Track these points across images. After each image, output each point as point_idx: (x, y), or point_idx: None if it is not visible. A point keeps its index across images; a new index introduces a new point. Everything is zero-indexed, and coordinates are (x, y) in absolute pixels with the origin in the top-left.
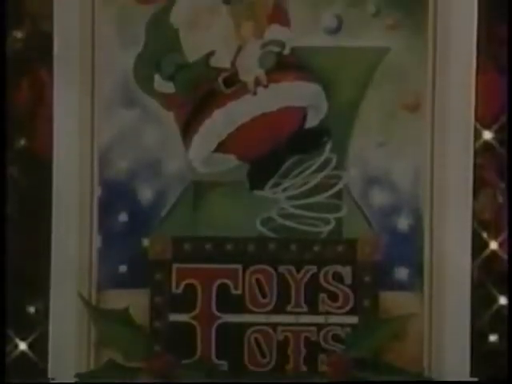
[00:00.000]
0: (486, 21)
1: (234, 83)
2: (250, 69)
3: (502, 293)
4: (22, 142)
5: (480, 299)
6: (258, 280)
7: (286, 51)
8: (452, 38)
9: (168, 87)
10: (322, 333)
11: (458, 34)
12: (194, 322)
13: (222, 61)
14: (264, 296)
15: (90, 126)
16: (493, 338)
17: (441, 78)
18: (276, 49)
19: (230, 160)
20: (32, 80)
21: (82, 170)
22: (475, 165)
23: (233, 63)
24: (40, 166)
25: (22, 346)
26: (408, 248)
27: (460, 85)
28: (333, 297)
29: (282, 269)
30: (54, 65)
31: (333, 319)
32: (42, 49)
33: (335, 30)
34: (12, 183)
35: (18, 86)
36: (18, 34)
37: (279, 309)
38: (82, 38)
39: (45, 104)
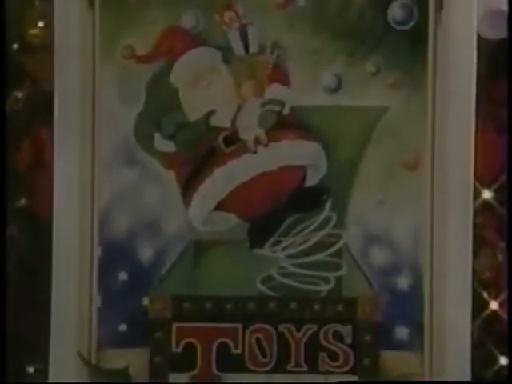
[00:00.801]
0: (485, 80)
1: (234, 142)
2: (250, 128)
3: (502, 353)
4: (23, 201)
5: (480, 359)
6: (258, 339)
7: (286, 110)
8: (451, 97)
9: (168, 146)
10: None
11: (457, 94)
12: (194, 382)
13: (222, 120)
14: (264, 355)
15: (90, 185)
16: None
17: (440, 137)
18: (276, 108)
19: (230, 218)
20: (32, 140)
21: (82, 229)
22: (475, 224)
23: (233, 122)
24: (40, 226)
25: None
26: (408, 307)
27: (459, 144)
28: (333, 356)
29: (282, 327)
30: (54, 125)
31: (333, 378)
32: (42, 109)
33: (335, 89)
34: (12, 242)
35: (19, 146)
36: (19, 94)
37: (279, 368)
38: (83, 97)
39: (45, 163)
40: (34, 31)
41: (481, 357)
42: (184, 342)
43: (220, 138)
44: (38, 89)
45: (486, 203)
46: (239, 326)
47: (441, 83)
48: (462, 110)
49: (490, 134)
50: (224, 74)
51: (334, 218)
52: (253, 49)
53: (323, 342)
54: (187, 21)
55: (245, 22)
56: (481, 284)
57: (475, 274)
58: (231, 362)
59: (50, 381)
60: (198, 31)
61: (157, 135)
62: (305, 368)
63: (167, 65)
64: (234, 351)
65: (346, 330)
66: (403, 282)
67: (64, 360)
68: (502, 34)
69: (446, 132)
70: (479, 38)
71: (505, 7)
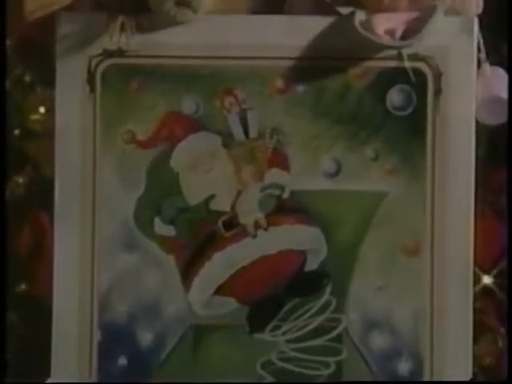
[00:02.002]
0: (484, 166)
1: (233, 226)
2: (250, 212)
3: None
4: (23, 286)
5: None
6: None
7: (286, 195)
8: (450, 183)
9: (168, 230)
10: None
11: (456, 179)
12: None
13: (222, 204)
14: None
15: (90, 269)
16: None
17: (440, 222)
18: (276, 192)
19: (230, 303)
20: (33, 225)
21: (82, 313)
22: (475, 309)
23: (233, 206)
24: (40, 311)
25: None
26: None
27: (459, 229)
28: None
29: None
30: (54, 210)
31: None
32: (42, 194)
33: (334, 174)
34: (12, 329)
35: (19, 231)
36: (20, 180)
37: None
38: (83, 182)
39: (45, 248)
40: (35, 117)
41: None
42: None
43: (220, 223)
44: (39, 174)
45: (486, 288)
46: None
47: (440, 169)
48: (462, 195)
49: (490, 219)
50: (224, 159)
51: (334, 303)
52: (253, 134)
53: None
54: (187, 106)
55: (245, 107)
56: (481, 369)
57: (475, 360)
58: None
59: None
60: (199, 116)
61: (157, 219)
62: None
63: (167, 149)
64: None
65: None
66: (404, 367)
67: None
68: (501, 120)
69: (445, 217)
70: (478, 124)
71: (503, 94)
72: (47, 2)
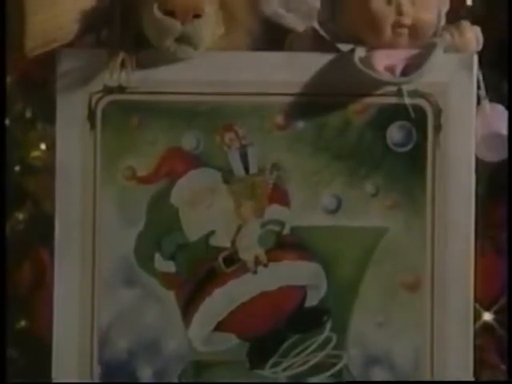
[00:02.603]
0: (484, 202)
1: (234, 262)
2: (250, 248)
3: None
4: (23, 323)
5: None
6: None
7: (286, 230)
8: (450, 218)
9: (169, 266)
10: None
11: (456, 215)
12: None
13: (222, 240)
14: None
15: (90, 305)
16: None
17: (440, 258)
18: (276, 228)
19: (230, 339)
20: (33, 261)
21: (82, 349)
22: (475, 346)
23: (233, 242)
24: (40, 347)
25: None
26: None
27: (459, 265)
28: None
29: None
30: (55, 246)
31: None
32: (43, 230)
33: (334, 210)
34: (12, 364)
35: (19, 267)
36: (20, 216)
37: None
38: (84, 218)
39: (45, 285)
40: (35, 153)
41: None
42: None
43: (220, 259)
44: (39, 210)
45: (486, 325)
46: None
47: (440, 205)
48: (462, 231)
49: (490, 255)
50: (224, 195)
51: (334, 339)
52: (253, 169)
53: None
54: (188, 142)
55: (245, 142)
56: None
57: None
58: None
59: None
60: (199, 152)
61: (157, 255)
62: None
63: (168, 185)
64: None
65: None
66: None
67: None
68: (501, 156)
69: (445, 253)
70: (478, 161)
71: (503, 130)
72: (48, 39)
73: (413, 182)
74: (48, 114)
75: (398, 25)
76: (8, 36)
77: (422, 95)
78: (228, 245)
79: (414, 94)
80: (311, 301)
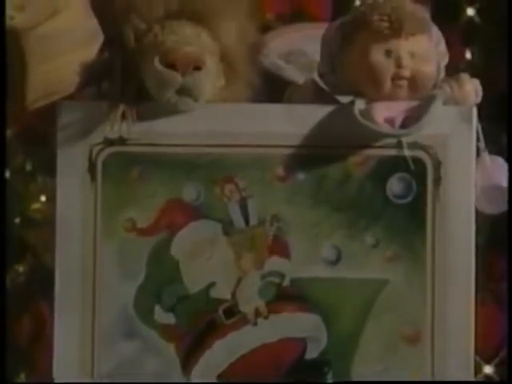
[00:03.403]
0: (484, 254)
1: (234, 314)
2: (251, 300)
3: None
4: (22, 376)
5: None
6: None
7: (286, 282)
8: (451, 270)
9: (169, 318)
10: None
11: (456, 267)
12: None
13: (222, 292)
14: None
15: (90, 358)
16: None
17: (440, 310)
18: (276, 280)
19: None
20: (32, 314)
21: None
22: None
23: (233, 294)
24: None
25: None
26: None
27: (460, 318)
28: None
29: None
30: (55, 298)
31: None
32: (43, 282)
33: (334, 262)
34: None
35: (19, 320)
36: (20, 268)
37: None
38: (84, 270)
39: (45, 337)
40: (35, 206)
41: None
42: None
43: (220, 310)
44: (39, 263)
45: (487, 378)
46: None
47: (440, 256)
48: (462, 283)
49: (490, 308)
50: (224, 247)
51: None
52: (253, 221)
53: None
54: (188, 194)
55: (245, 194)
56: None
57: None
58: None
59: None
60: (199, 204)
61: (157, 307)
62: None
63: (168, 237)
64: None
65: None
66: None
67: None
68: (501, 208)
69: (446, 305)
70: (478, 213)
71: (503, 182)
72: (49, 92)
73: (413, 234)
74: (48, 167)
75: (397, 77)
76: (9, 88)
77: (422, 147)
78: (228, 297)
79: (414, 146)
80: (311, 353)
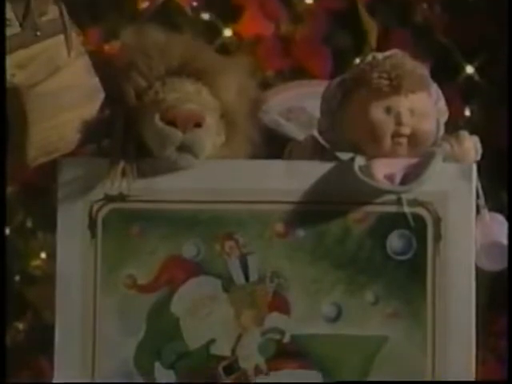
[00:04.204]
0: (484, 312)
1: (234, 371)
2: (250, 357)
3: None
4: None
5: None
6: None
7: (286, 339)
8: (451, 327)
9: (169, 376)
10: None
11: (456, 324)
12: None
13: (222, 348)
14: None
15: None
16: None
17: (440, 367)
18: (276, 336)
19: None
20: (32, 370)
21: None
22: None
23: (233, 351)
24: None
25: None
26: None
27: (460, 374)
28: None
29: None
30: (54, 355)
31: None
32: (43, 340)
33: (334, 318)
34: None
35: (19, 377)
36: (20, 326)
37: None
38: (84, 327)
39: None
40: (36, 263)
41: None
42: None
43: (220, 368)
44: (39, 320)
45: None
46: None
47: (440, 313)
48: (462, 341)
49: (490, 365)
50: (224, 303)
51: None
52: (253, 277)
53: None
54: (188, 250)
55: (245, 251)
56: None
57: None
58: None
59: None
60: (199, 260)
61: (157, 364)
62: None
63: (168, 294)
64: None
65: None
66: None
67: None
68: (501, 266)
69: (446, 362)
70: (478, 270)
71: (503, 240)
72: (50, 149)
73: (413, 290)
74: (49, 223)
75: (397, 134)
76: (9, 145)
77: (422, 204)
78: (228, 353)
79: (414, 202)
80: None
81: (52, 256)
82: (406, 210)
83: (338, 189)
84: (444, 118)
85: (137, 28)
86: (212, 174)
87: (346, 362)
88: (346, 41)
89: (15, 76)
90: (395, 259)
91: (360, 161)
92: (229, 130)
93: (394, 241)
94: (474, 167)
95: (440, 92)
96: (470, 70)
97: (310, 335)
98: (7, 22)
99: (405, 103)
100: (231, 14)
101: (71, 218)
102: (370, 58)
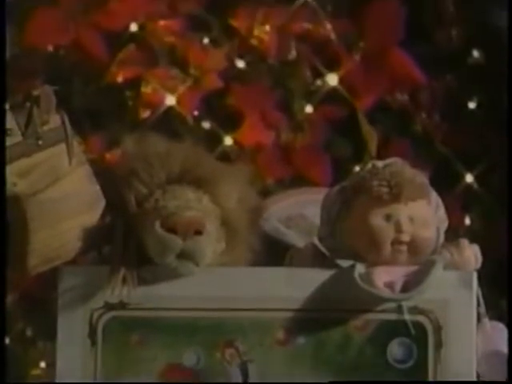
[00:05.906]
0: None
1: None
2: None
3: None
4: None
5: None
6: None
7: None
8: None
9: None
10: None
11: None
12: None
13: None
14: None
15: None
16: None
17: None
18: None
19: None
20: None
21: None
22: None
23: None
24: None
25: None
26: None
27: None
28: None
29: None
30: None
31: None
32: None
33: None
34: None
35: None
36: None
37: None
38: None
39: None
40: (35, 372)
41: None
42: None
43: None
44: None
45: None
46: None
47: None
48: None
49: None
50: None
51: None
52: None
53: None
54: (188, 358)
55: (245, 358)
56: None
57: None
58: None
59: None
60: (199, 368)
61: None
62: None
63: None
64: None
65: None
66: None
67: None
68: (501, 376)
69: None
70: (479, 378)
71: (504, 348)
72: (50, 257)
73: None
74: (49, 332)
75: (397, 242)
76: (10, 254)
77: (422, 312)
78: None
79: (414, 310)
80: None
81: (52, 365)
82: (407, 317)
83: (339, 296)
84: (444, 226)
85: (138, 136)
86: (212, 282)
87: None
88: (346, 149)
89: (17, 185)
90: (396, 367)
91: (360, 268)
92: (229, 238)
93: (395, 348)
94: (475, 275)
95: (440, 200)
96: (469, 178)
97: None
98: (8, 132)
99: (405, 211)
100: (232, 123)
101: (71, 326)
102: (369, 166)
